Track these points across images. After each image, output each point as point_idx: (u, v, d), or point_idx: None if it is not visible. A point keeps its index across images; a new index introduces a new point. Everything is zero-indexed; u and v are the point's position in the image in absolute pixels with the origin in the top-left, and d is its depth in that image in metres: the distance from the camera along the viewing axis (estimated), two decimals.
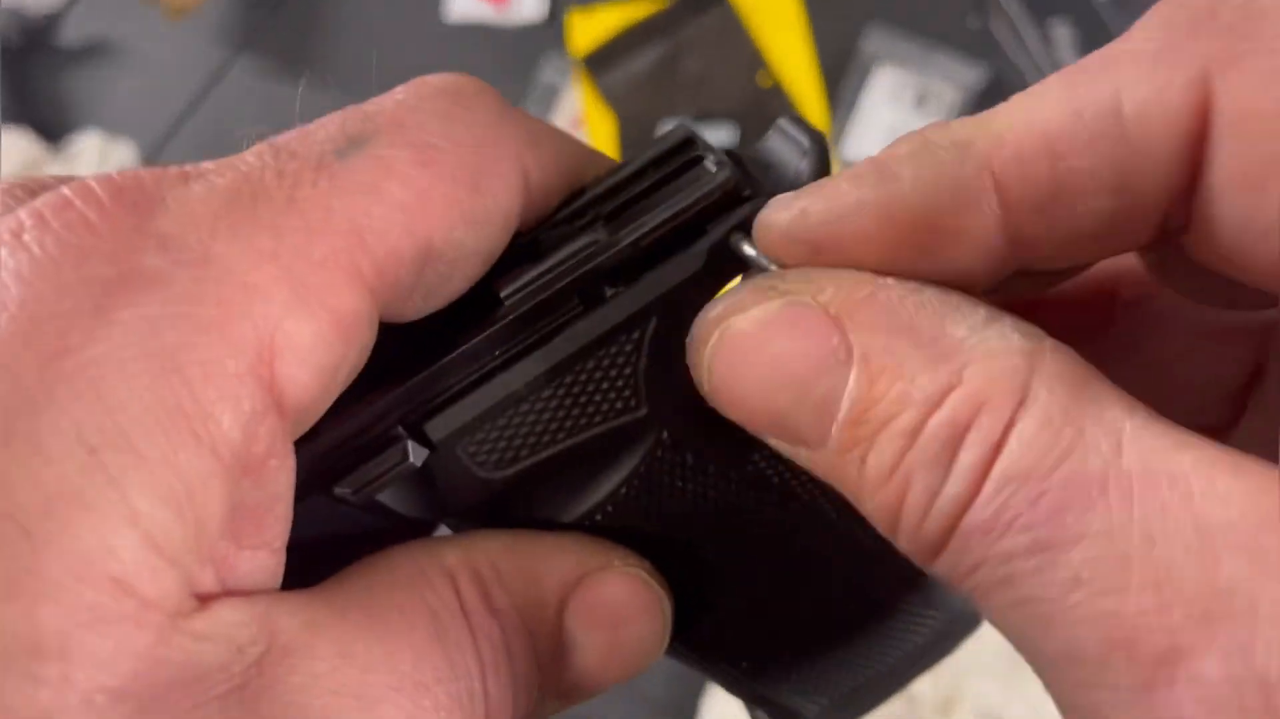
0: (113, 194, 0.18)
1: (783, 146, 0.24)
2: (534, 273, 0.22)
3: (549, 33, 0.97)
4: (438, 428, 0.23)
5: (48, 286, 0.17)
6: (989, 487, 0.18)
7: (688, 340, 0.23)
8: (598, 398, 0.24)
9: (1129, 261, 0.24)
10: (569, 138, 0.23)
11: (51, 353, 0.17)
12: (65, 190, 0.18)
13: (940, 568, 0.19)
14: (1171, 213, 0.20)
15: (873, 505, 0.19)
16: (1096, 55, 0.19)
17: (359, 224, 0.19)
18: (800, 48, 0.94)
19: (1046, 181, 0.19)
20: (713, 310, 0.22)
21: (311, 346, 0.18)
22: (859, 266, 0.21)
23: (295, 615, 0.19)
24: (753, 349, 0.21)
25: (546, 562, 0.23)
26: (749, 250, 0.22)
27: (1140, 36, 0.19)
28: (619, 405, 0.24)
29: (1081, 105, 0.19)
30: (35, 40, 0.99)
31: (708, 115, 0.89)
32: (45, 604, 0.16)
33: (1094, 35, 0.86)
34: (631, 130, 0.89)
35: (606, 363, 0.23)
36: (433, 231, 0.19)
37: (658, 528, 0.25)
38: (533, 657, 0.22)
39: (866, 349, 0.19)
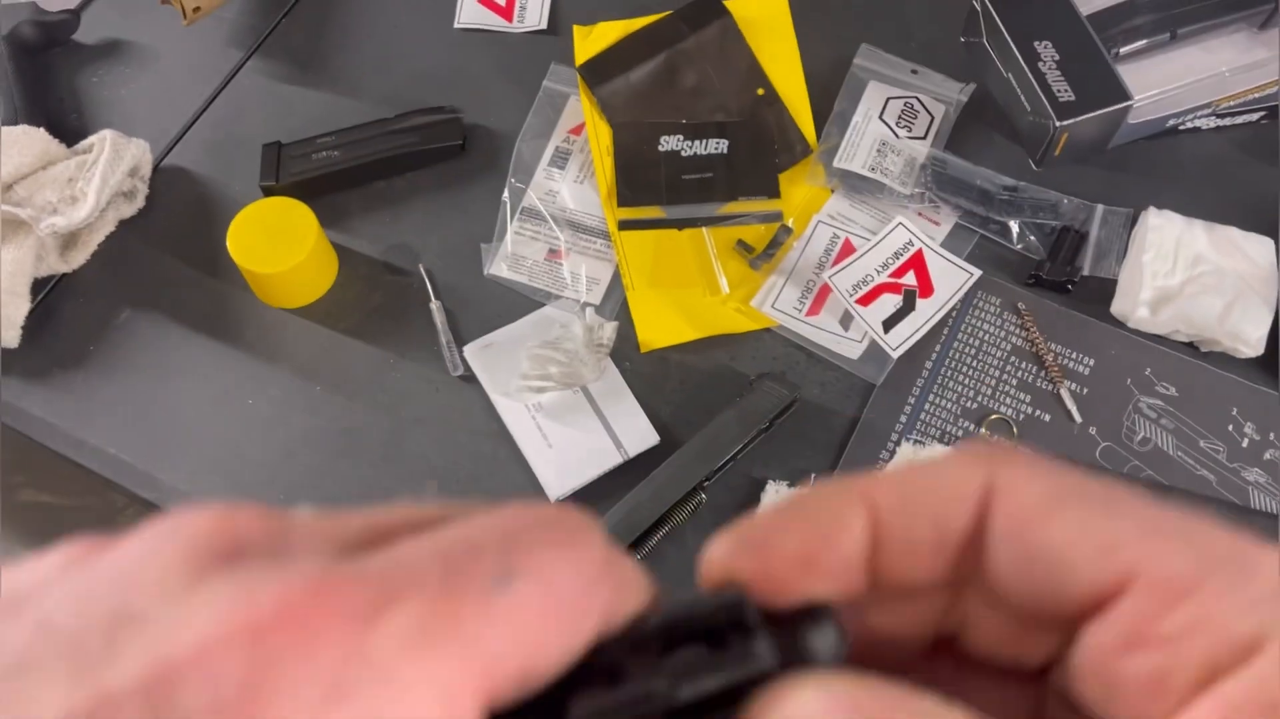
0: (333, 589, 0.20)
1: (812, 635, 0.26)
2: (609, 700, 0.24)
3: (554, 41, 1.00)
4: None
5: (281, 685, 0.19)
6: None
7: None
8: None
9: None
10: (638, 579, 0.26)
11: None
12: (297, 578, 0.20)
13: None
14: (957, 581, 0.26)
15: None
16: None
17: (496, 650, 0.21)
18: (794, 61, 0.97)
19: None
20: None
21: None
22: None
23: None
24: None
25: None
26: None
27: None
28: None
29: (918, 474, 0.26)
30: (52, 38, 1.02)
31: (703, 125, 0.92)
32: None
33: (1079, 52, 0.89)
34: (627, 139, 0.92)
35: None
36: (536, 660, 0.22)
37: None
38: None
39: None
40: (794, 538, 0.26)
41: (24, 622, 0.20)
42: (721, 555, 0.25)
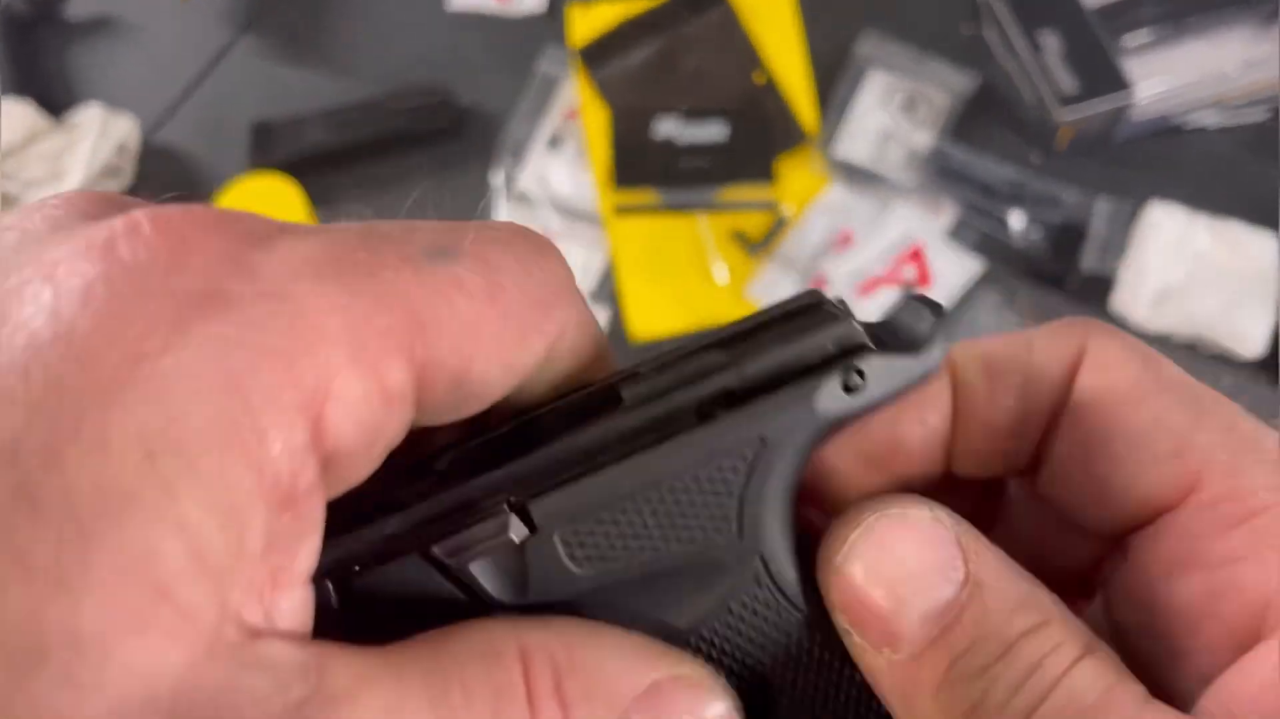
0: (214, 219, 0.19)
1: (907, 315, 0.25)
2: (657, 380, 0.24)
3: (549, 24, 0.99)
4: (541, 510, 0.23)
5: (134, 291, 0.18)
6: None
7: (837, 520, 0.24)
8: (698, 512, 0.24)
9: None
10: (602, 335, 0.25)
11: (129, 355, 0.18)
12: (167, 208, 0.19)
13: None
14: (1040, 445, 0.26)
15: (942, 705, 0.23)
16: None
17: (424, 318, 0.20)
18: (795, 49, 0.96)
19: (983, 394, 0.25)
20: (873, 500, 0.25)
21: (359, 403, 0.19)
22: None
23: (349, 666, 0.19)
24: (893, 544, 0.24)
25: (622, 660, 0.23)
26: (855, 401, 0.24)
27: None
28: (715, 527, 0.24)
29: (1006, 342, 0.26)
30: (42, 12, 1.01)
31: (702, 110, 0.91)
32: (89, 603, 0.16)
33: (1082, 44, 0.87)
34: (624, 123, 0.90)
35: (709, 481, 0.24)
36: (474, 360, 0.21)
37: (735, 664, 0.25)
38: None
39: (981, 578, 0.23)
40: (879, 421, 0.25)
41: None
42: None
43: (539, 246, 0.23)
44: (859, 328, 0.24)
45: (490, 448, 0.24)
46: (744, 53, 0.95)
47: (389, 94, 0.93)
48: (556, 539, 0.24)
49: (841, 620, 0.24)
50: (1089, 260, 0.86)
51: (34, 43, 1.00)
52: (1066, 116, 0.85)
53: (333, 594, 0.22)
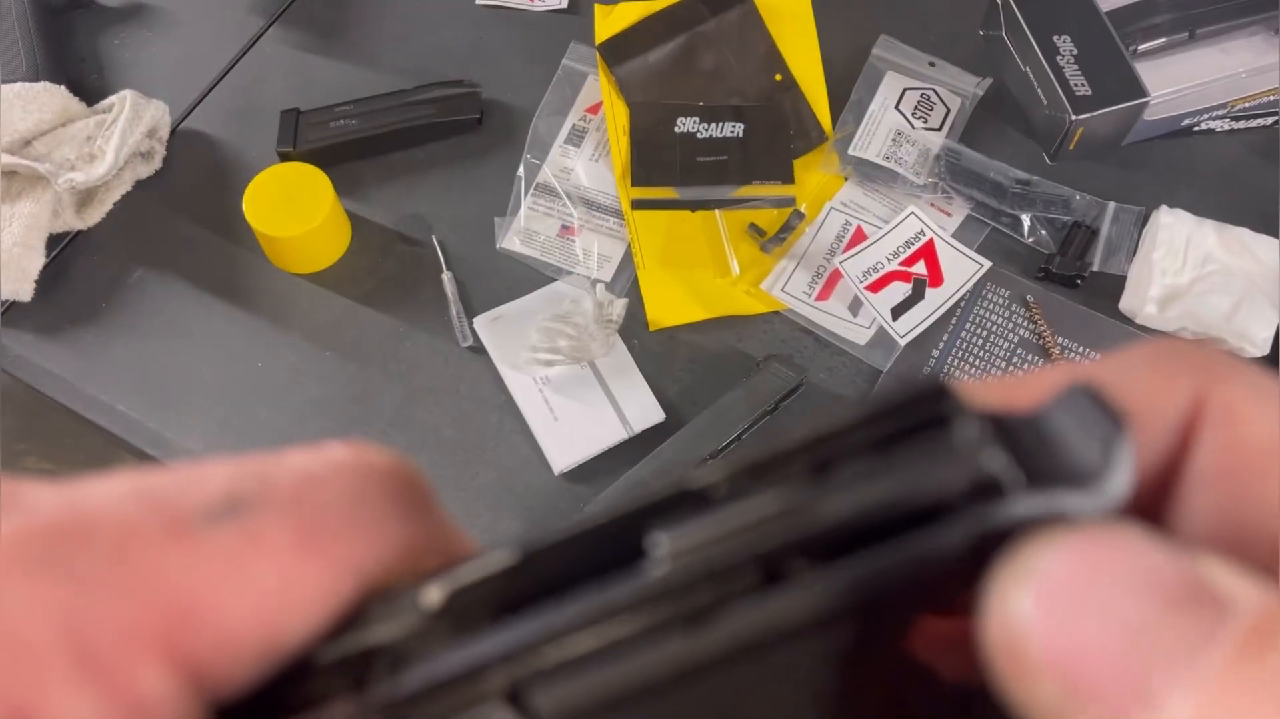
0: None
1: (1069, 420, 0.17)
2: (703, 524, 0.16)
3: (575, 20, 1.01)
4: (549, 700, 0.16)
5: None
6: None
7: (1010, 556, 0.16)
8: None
9: None
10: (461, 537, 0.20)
11: None
12: None
13: None
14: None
15: None
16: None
17: (191, 602, 0.16)
18: (813, 49, 0.98)
19: None
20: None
21: None
22: None
23: None
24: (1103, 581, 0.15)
25: None
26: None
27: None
28: None
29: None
30: None
31: (720, 108, 0.92)
32: None
33: (1097, 48, 0.89)
34: (643, 119, 0.92)
35: (776, 669, 0.17)
36: (289, 625, 0.16)
37: None
38: None
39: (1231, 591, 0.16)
40: None
41: None
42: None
43: (383, 476, 0.18)
44: (1003, 456, 0.16)
45: (487, 591, 0.17)
46: (763, 52, 0.97)
47: (416, 85, 0.95)
48: None
49: (1049, 689, 0.15)
50: (1098, 261, 0.88)
51: (66, 28, 1.02)
52: (1079, 119, 0.87)
53: None
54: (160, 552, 0.16)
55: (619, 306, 0.84)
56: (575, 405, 0.83)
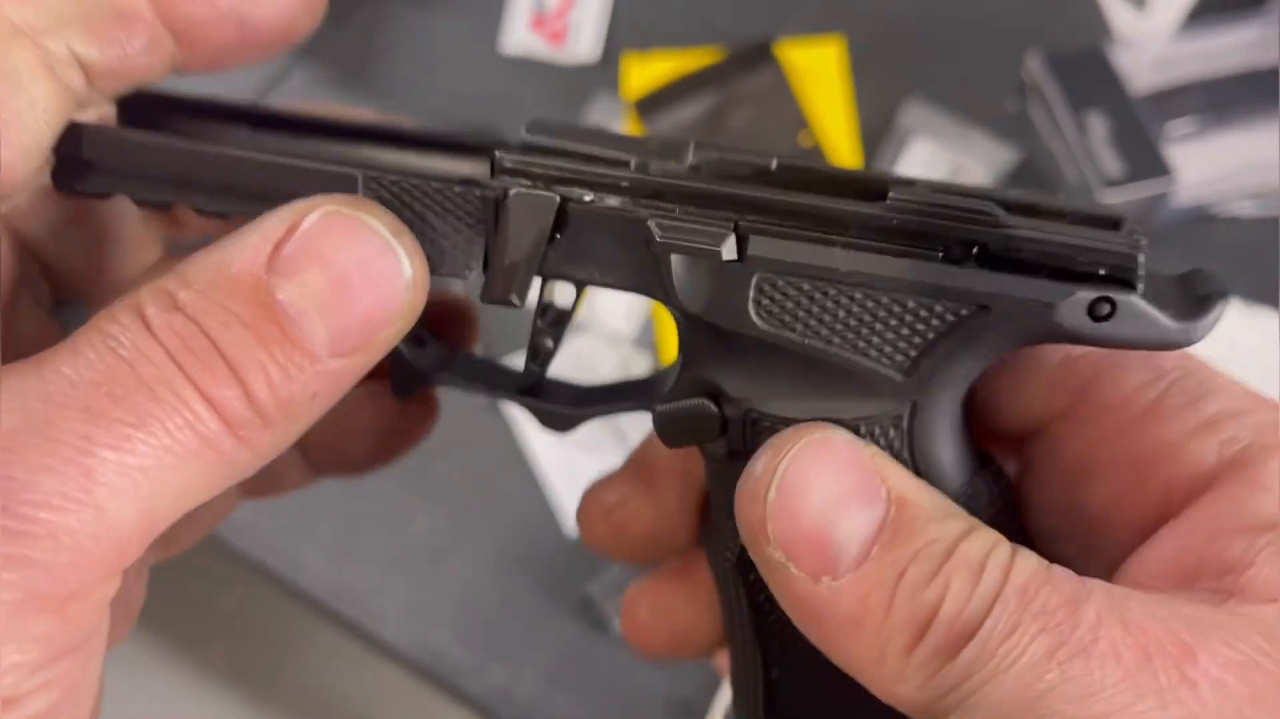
0: None
1: (1190, 281, 0.25)
2: (928, 198, 0.24)
3: (602, 73, 1.00)
4: (759, 247, 0.24)
5: None
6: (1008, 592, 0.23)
7: (759, 453, 0.25)
8: (887, 334, 0.24)
9: None
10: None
11: None
12: None
13: (953, 669, 0.22)
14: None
15: (901, 617, 0.23)
16: None
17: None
18: (842, 113, 0.97)
19: None
20: (792, 431, 0.25)
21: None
22: None
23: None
24: (819, 470, 0.24)
25: (240, 240, 0.24)
26: (1093, 328, 0.23)
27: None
28: (891, 356, 0.24)
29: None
30: None
31: None
32: None
33: (1128, 128, 0.89)
34: None
35: (914, 313, 0.24)
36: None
37: None
38: (241, 328, 0.23)
39: (901, 493, 0.24)
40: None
41: None
42: None
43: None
44: (1139, 264, 0.23)
45: (751, 173, 0.26)
46: (792, 114, 0.97)
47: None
48: (754, 280, 0.25)
49: (776, 554, 0.24)
50: None
51: None
52: (1109, 199, 0.87)
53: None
54: None
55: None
56: (599, 466, 0.81)
